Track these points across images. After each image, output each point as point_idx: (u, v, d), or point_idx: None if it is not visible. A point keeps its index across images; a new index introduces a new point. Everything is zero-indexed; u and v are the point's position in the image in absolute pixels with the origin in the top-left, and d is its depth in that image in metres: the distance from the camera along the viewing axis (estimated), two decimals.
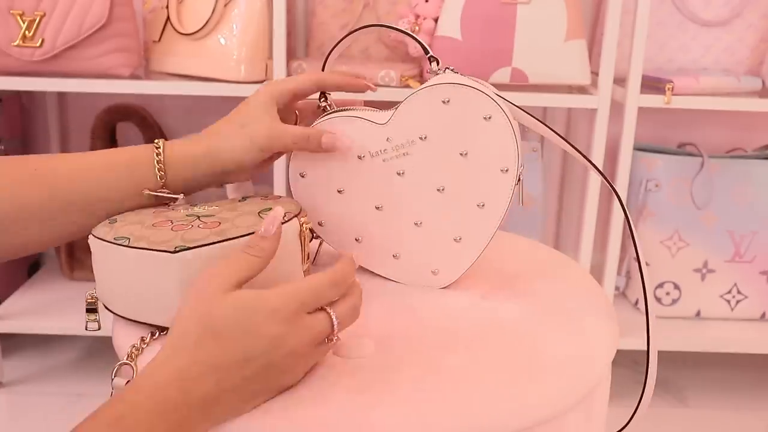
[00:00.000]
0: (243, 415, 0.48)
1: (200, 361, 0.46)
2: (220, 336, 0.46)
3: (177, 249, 0.53)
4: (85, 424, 0.43)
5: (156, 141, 0.63)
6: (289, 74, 1.22)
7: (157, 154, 0.62)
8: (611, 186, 0.62)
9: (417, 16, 1.18)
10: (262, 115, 0.62)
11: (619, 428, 0.65)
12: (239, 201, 0.62)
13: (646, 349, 0.61)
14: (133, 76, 1.22)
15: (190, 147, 0.63)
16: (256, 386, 0.47)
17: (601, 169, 0.66)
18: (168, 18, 1.21)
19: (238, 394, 0.47)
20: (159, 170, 0.61)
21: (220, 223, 0.56)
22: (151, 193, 0.62)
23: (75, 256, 1.42)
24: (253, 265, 0.50)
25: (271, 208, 0.57)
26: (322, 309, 0.49)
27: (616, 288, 1.40)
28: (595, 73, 1.22)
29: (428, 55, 0.66)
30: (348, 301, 0.51)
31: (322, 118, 0.64)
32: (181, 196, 0.63)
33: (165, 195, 0.62)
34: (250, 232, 0.54)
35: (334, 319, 0.49)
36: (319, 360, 0.52)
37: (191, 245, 0.53)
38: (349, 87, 0.66)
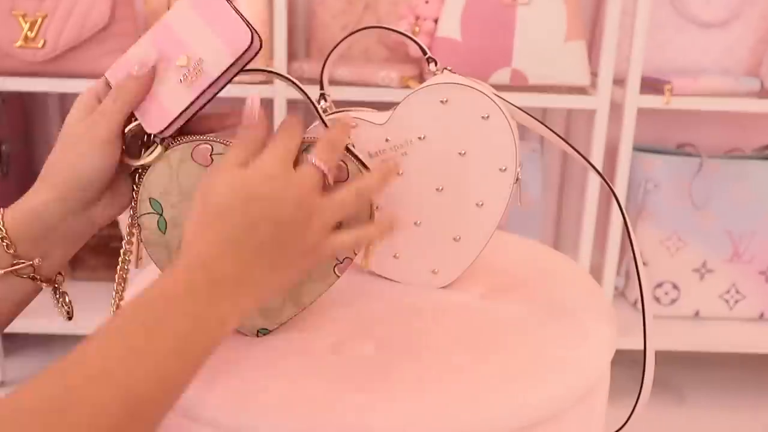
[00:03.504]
0: (274, 297, 0.52)
1: (213, 241, 0.47)
2: (222, 214, 0.47)
3: (259, 333, 0.58)
4: (117, 317, 0.44)
5: None
6: (289, 74, 1.23)
7: None
8: (610, 187, 0.62)
9: (417, 17, 1.19)
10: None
11: (618, 427, 0.65)
12: None
13: (643, 348, 0.61)
14: None
15: (29, 201, 0.54)
16: (274, 254, 0.48)
17: (600, 169, 0.66)
18: None
19: (260, 267, 0.48)
20: (3, 240, 0.53)
21: None
22: (6, 270, 0.54)
23: (76, 256, 1.41)
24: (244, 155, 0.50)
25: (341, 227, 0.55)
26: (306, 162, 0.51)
27: (615, 288, 1.40)
28: (594, 74, 1.23)
29: (426, 56, 0.66)
30: (333, 150, 0.52)
31: None
32: (36, 260, 0.55)
33: (21, 268, 0.54)
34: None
35: (316, 161, 0.50)
36: (334, 215, 0.51)
37: (272, 326, 0.58)
38: None
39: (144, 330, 0.42)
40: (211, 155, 0.55)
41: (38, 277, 0.55)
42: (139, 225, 0.56)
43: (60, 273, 0.58)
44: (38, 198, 0.54)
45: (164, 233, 0.56)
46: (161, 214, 0.55)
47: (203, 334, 0.45)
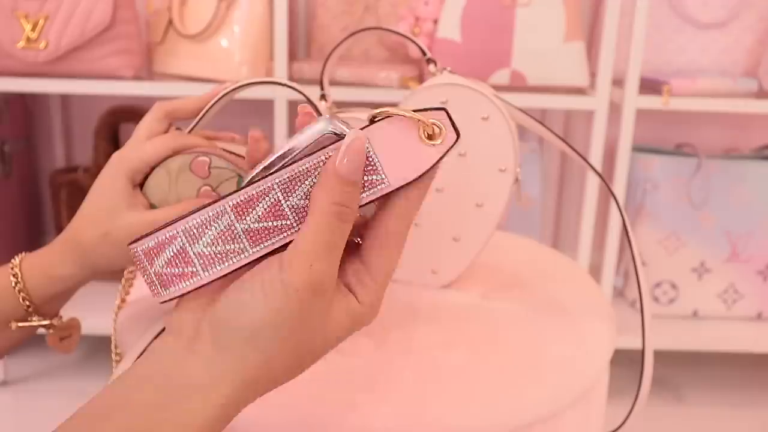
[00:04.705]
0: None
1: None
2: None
3: None
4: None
5: (12, 266, 0.54)
6: (290, 76, 1.23)
7: (16, 282, 0.53)
8: (609, 187, 0.63)
9: (417, 19, 1.19)
10: (125, 214, 0.52)
11: (617, 426, 0.65)
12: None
13: (642, 348, 0.62)
14: (136, 78, 1.22)
15: (55, 269, 0.54)
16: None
17: (599, 170, 0.66)
18: (170, 20, 1.22)
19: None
20: (23, 300, 0.54)
21: None
22: (22, 324, 0.55)
23: None
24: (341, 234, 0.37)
25: None
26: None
27: (614, 287, 1.41)
28: (593, 75, 1.23)
29: (426, 57, 0.66)
30: None
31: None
32: (54, 320, 0.56)
33: (38, 324, 0.56)
34: None
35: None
36: None
37: None
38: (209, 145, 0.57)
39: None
40: (209, 168, 0.53)
41: (48, 325, 0.56)
42: None
43: (59, 315, 0.58)
44: (66, 270, 0.54)
45: None
46: None
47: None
